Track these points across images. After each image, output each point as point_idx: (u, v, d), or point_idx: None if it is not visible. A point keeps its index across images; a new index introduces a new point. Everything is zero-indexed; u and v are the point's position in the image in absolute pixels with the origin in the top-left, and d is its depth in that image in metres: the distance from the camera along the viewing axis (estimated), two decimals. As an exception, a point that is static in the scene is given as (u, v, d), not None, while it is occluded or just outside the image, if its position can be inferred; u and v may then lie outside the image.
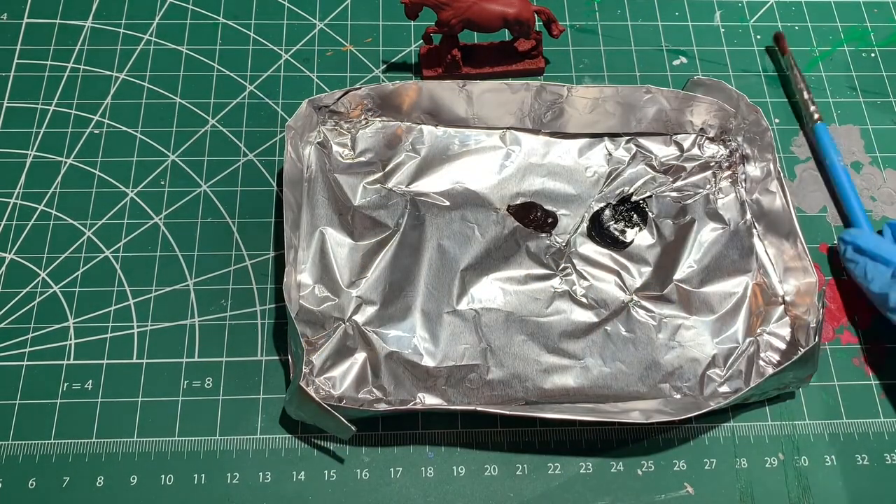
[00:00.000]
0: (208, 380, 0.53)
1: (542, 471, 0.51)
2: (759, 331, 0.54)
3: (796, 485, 0.51)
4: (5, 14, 0.66)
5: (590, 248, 0.57)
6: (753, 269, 0.56)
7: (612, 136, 0.61)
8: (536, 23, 0.62)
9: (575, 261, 0.56)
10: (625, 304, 0.55)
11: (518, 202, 0.58)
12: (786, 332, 0.54)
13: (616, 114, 0.60)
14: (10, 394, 0.52)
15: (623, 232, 0.58)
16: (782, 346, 0.53)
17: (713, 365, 0.53)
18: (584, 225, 0.58)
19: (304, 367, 0.49)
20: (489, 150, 0.60)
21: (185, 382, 0.52)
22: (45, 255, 0.56)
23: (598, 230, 0.58)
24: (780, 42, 0.65)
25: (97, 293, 0.55)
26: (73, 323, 0.54)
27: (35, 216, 0.57)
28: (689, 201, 0.59)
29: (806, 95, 0.62)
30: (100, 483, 0.49)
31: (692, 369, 0.53)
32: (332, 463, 0.50)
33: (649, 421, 0.48)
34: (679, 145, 0.60)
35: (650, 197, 0.59)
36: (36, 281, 0.55)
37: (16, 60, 0.64)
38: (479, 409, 0.49)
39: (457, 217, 0.57)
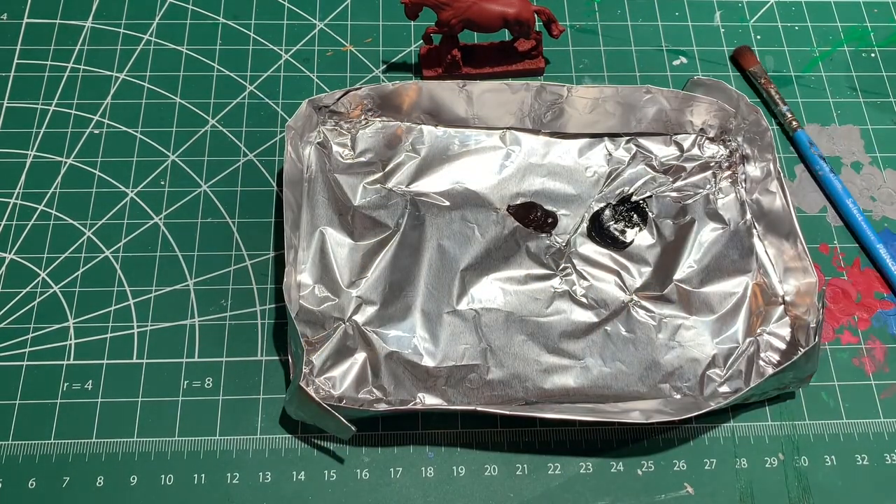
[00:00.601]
0: (208, 380, 0.53)
1: (542, 471, 0.51)
2: (759, 331, 0.54)
3: (796, 485, 0.51)
4: (5, 14, 0.66)
5: (590, 248, 0.57)
6: (753, 269, 0.56)
7: (612, 136, 0.61)
8: (536, 23, 0.62)
9: (575, 261, 0.56)
10: (625, 304, 0.55)
11: (518, 202, 0.58)
12: (786, 332, 0.54)
13: (616, 114, 0.60)
14: (10, 394, 0.52)
15: (623, 232, 0.58)
16: (782, 346, 0.53)
17: (713, 365, 0.53)
18: (584, 225, 0.58)
19: (304, 367, 0.49)
20: (489, 150, 0.60)
21: (185, 382, 0.52)
22: (45, 255, 0.56)
23: (598, 230, 0.58)
24: (743, 57, 0.65)
25: (97, 293, 0.55)
26: (73, 323, 0.54)
27: (35, 216, 0.57)
28: (689, 201, 0.59)
29: (783, 107, 0.62)
30: (100, 483, 0.49)
31: (692, 369, 0.53)
32: (332, 463, 0.50)
33: (649, 421, 0.48)
34: (679, 145, 0.60)
35: (650, 197, 0.59)
36: (36, 281, 0.55)
37: (16, 60, 0.64)
38: (479, 409, 0.49)
39: (457, 217, 0.57)
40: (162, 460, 0.50)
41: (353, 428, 0.48)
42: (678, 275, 0.56)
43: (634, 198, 0.59)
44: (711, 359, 0.53)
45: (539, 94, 0.59)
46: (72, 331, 0.54)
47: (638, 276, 0.56)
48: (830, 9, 0.69)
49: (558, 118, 0.60)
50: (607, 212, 0.58)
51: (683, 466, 0.51)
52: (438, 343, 0.53)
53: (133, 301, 0.55)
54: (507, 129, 0.61)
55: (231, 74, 0.64)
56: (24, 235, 0.57)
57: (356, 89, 0.58)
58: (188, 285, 0.55)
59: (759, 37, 0.67)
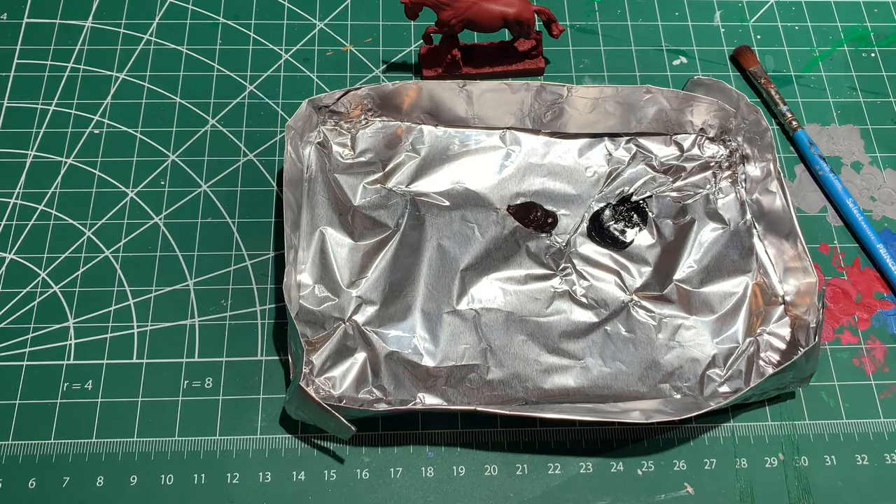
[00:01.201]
0: (208, 380, 0.53)
1: (542, 471, 0.51)
2: (759, 331, 0.54)
3: (796, 485, 0.51)
4: (5, 14, 0.66)
5: (590, 248, 0.57)
6: (753, 269, 0.56)
7: (612, 136, 0.61)
8: (536, 23, 0.62)
9: (575, 261, 0.56)
10: (625, 304, 0.55)
11: (518, 202, 0.58)
12: (786, 332, 0.54)
13: (616, 114, 0.60)
14: (10, 394, 0.52)
15: (623, 232, 0.58)
16: (782, 346, 0.53)
17: (713, 365, 0.53)
18: (584, 225, 0.58)
19: (304, 367, 0.49)
20: (489, 150, 0.60)
21: (185, 382, 0.52)
22: (45, 255, 0.56)
23: (598, 230, 0.58)
24: (743, 57, 0.65)
25: (97, 293, 0.55)
26: (73, 323, 0.54)
27: (35, 216, 0.57)
28: (689, 201, 0.59)
29: (783, 107, 0.62)
30: (100, 483, 0.49)
31: (692, 369, 0.53)
32: (332, 463, 0.50)
33: (649, 421, 0.48)
34: (679, 145, 0.60)
35: (650, 197, 0.59)
36: (36, 281, 0.55)
37: (16, 60, 0.64)
38: (479, 409, 0.49)
39: (457, 217, 0.57)
40: (162, 460, 0.50)
41: (353, 428, 0.48)
42: (678, 275, 0.56)
43: (634, 198, 0.59)
44: (711, 359, 0.53)
45: (539, 94, 0.59)
46: (72, 331, 0.54)
47: (638, 276, 0.56)
48: (830, 9, 0.69)
49: (558, 118, 0.60)
50: (607, 212, 0.58)
51: (683, 466, 0.51)
52: (438, 343, 0.53)
53: (133, 301, 0.55)
54: (507, 129, 0.61)
55: (231, 74, 0.64)
56: (24, 235, 0.57)
57: (356, 89, 0.58)
58: (188, 285, 0.55)
59: (759, 37, 0.67)
